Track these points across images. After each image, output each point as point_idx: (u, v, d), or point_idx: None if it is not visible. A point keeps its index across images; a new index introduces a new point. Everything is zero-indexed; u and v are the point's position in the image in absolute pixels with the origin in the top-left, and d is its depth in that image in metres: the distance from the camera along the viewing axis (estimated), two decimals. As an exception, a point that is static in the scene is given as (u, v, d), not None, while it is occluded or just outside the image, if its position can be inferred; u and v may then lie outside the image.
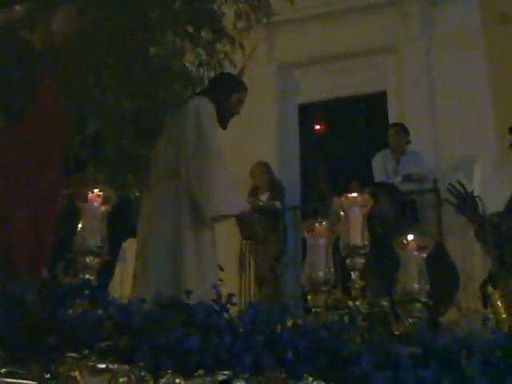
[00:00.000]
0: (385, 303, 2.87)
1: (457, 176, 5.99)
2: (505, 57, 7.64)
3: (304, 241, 3.43)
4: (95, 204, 2.84)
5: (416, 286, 2.92)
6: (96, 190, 2.85)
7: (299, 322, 2.57)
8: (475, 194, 4.20)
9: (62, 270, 2.60)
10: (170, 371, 2.30)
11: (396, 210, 5.70)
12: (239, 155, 7.13)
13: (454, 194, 4.14)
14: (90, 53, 3.52)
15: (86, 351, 2.31)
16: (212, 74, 4.14)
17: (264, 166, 7.75)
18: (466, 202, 4.09)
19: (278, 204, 7.50)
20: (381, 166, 7.43)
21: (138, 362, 2.30)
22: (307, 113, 8.79)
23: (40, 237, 3.47)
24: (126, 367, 2.30)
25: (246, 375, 2.33)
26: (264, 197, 7.61)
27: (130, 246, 4.62)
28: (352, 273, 3.01)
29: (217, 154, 3.81)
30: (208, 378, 2.31)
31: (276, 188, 7.70)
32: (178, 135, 3.91)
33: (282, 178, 7.95)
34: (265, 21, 4.22)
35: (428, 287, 2.95)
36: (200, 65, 3.92)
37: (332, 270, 3.12)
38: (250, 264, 7.32)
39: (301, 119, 8.76)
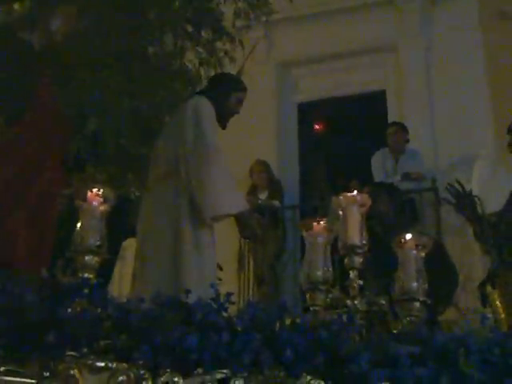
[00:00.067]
0: (383, 302, 2.88)
1: (455, 175, 6.00)
2: (504, 55, 7.64)
3: (303, 239, 3.44)
4: (94, 203, 2.85)
5: (414, 284, 2.93)
6: (95, 190, 2.85)
7: (298, 320, 2.58)
8: (474, 193, 4.19)
9: (60, 269, 2.60)
10: (168, 370, 2.30)
11: (395, 209, 5.70)
12: (238, 154, 7.13)
13: (453, 194, 4.14)
14: (89, 52, 3.52)
15: (85, 350, 2.32)
16: (212, 73, 4.14)
17: (263, 165, 7.75)
18: (465, 202, 4.09)
19: (276, 203, 7.50)
20: (380, 164, 7.43)
21: (136, 360, 2.30)
22: (306, 111, 8.79)
23: (40, 236, 3.47)
24: (125, 366, 2.30)
25: (245, 374, 2.34)
26: (263, 195, 7.61)
27: (129, 245, 4.63)
28: (350, 272, 3.01)
29: (216, 154, 3.81)
30: (207, 377, 2.32)
31: (275, 187, 7.70)
32: (177, 134, 3.91)
33: (281, 177, 7.96)
34: (264, 19, 4.22)
35: (426, 286, 2.96)
36: (200, 64, 3.92)
37: (330, 269, 3.12)
38: (249, 263, 7.32)
39: (300, 118, 8.76)
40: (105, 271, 2.97)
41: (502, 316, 3.98)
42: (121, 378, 2.28)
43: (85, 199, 2.86)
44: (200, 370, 2.32)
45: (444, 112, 7.74)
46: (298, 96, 8.83)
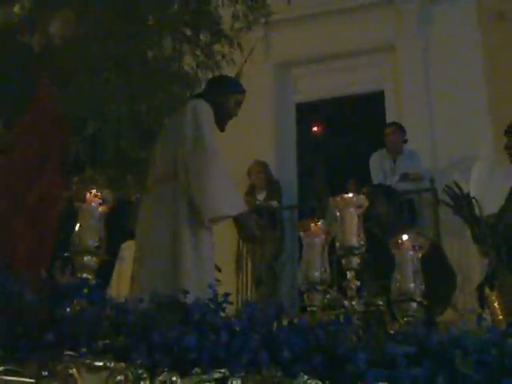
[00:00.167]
0: (380, 302, 2.89)
1: (454, 175, 6.01)
2: (502, 55, 7.65)
3: (301, 240, 3.45)
4: (93, 204, 2.86)
5: (411, 285, 2.95)
6: (94, 191, 2.87)
7: (295, 320, 2.59)
8: (472, 194, 4.20)
9: (59, 270, 2.61)
10: (166, 369, 2.31)
11: (393, 211, 5.72)
12: (236, 154, 7.15)
13: (450, 195, 4.14)
14: (88, 56, 3.53)
15: (84, 349, 2.33)
16: (210, 76, 4.14)
17: (261, 165, 7.76)
18: (462, 203, 4.09)
19: (275, 203, 7.51)
20: (378, 165, 7.44)
21: (134, 360, 2.31)
22: (305, 112, 8.80)
23: (40, 237, 3.48)
24: (123, 365, 2.31)
25: (243, 373, 2.35)
26: (261, 196, 7.62)
27: (127, 246, 4.63)
28: (348, 272, 3.02)
29: (214, 156, 3.81)
30: (204, 376, 2.33)
31: (273, 187, 7.71)
32: (175, 137, 3.91)
33: (280, 177, 7.97)
34: (263, 20, 4.23)
35: (423, 287, 2.97)
36: (198, 66, 3.92)
37: (328, 270, 3.13)
38: (247, 264, 7.33)
39: (298, 118, 8.77)
40: (104, 272, 2.99)
41: (500, 317, 3.99)
42: (119, 378, 2.29)
43: (84, 200, 2.88)
44: (198, 370, 2.33)
45: (442, 112, 7.75)
46: (296, 96, 8.84)
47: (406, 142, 7.46)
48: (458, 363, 2.43)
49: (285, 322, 2.57)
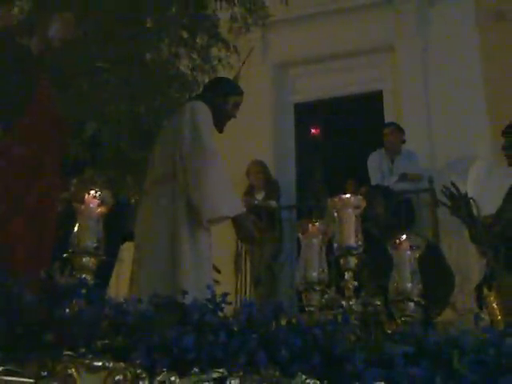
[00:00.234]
0: (378, 303, 2.90)
1: (452, 176, 6.02)
2: (500, 55, 7.66)
3: (300, 240, 3.46)
4: (92, 205, 2.86)
5: (409, 285, 2.96)
6: (92, 192, 2.87)
7: (293, 320, 2.60)
8: (470, 195, 4.21)
9: (58, 270, 2.62)
10: (165, 369, 2.32)
11: (391, 212, 5.73)
12: (235, 154, 7.15)
13: (448, 196, 4.15)
14: (88, 57, 3.54)
15: (83, 349, 2.33)
16: (206, 79, 4.15)
17: (260, 165, 7.77)
18: (460, 204, 4.10)
19: (273, 203, 7.52)
20: (376, 165, 7.45)
21: (133, 360, 2.32)
22: (303, 112, 8.81)
23: (39, 238, 3.49)
24: (122, 365, 2.31)
25: (241, 373, 2.35)
26: (260, 196, 7.63)
27: (126, 247, 4.64)
28: (346, 273, 3.03)
29: (213, 157, 3.82)
30: (203, 376, 2.33)
31: (272, 187, 7.72)
32: (174, 138, 3.92)
33: (278, 177, 7.98)
34: (261, 23, 4.23)
35: (420, 286, 2.98)
36: (193, 69, 3.93)
37: (326, 270, 3.14)
38: (245, 264, 7.34)
39: (297, 118, 8.78)
40: (103, 273, 3.00)
41: (499, 318, 4.00)
42: (118, 378, 2.30)
43: (82, 201, 2.88)
44: (196, 370, 2.33)
45: (441, 113, 7.77)
46: (294, 96, 8.86)
47: (404, 142, 7.48)
48: (456, 363, 2.44)
49: (283, 322, 2.57)
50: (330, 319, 2.76)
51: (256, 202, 7.47)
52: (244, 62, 4.47)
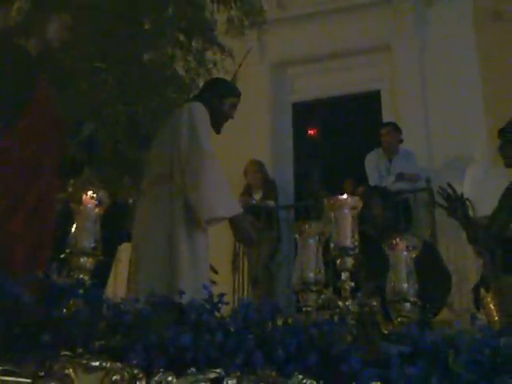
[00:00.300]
0: (374, 303, 2.91)
1: (450, 175, 6.03)
2: (498, 55, 7.67)
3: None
4: (89, 206, 2.87)
5: (405, 285, 2.98)
6: (90, 192, 2.88)
7: (290, 320, 2.61)
8: (467, 195, 4.21)
9: (56, 271, 2.62)
10: (162, 369, 2.33)
11: (389, 213, 5.74)
12: (233, 154, 7.16)
13: (444, 197, 4.15)
14: (86, 58, 3.54)
15: (80, 350, 2.34)
16: (200, 81, 4.16)
17: (258, 165, 7.78)
18: (456, 205, 4.10)
19: (271, 203, 7.53)
20: (374, 165, 7.46)
21: (130, 360, 2.33)
22: (301, 111, 8.82)
23: (38, 239, 3.50)
24: (119, 365, 2.32)
25: (238, 373, 2.36)
26: (257, 195, 7.64)
27: (123, 247, 4.65)
28: (342, 273, 3.04)
29: (210, 157, 3.82)
30: (200, 376, 2.34)
31: (269, 187, 7.73)
32: (171, 138, 3.92)
33: (276, 177, 7.99)
34: (257, 27, 4.22)
35: (416, 287, 3.00)
36: (188, 71, 3.93)
37: (322, 271, 3.15)
38: (243, 264, 7.34)
39: (294, 118, 8.79)
40: (101, 274, 3.00)
41: (496, 319, 4.01)
42: (115, 378, 2.30)
43: (79, 202, 2.89)
44: (193, 370, 2.34)
45: (438, 112, 7.78)
46: (292, 96, 8.86)
47: (401, 141, 7.48)
48: (451, 363, 2.45)
49: (280, 322, 2.58)
50: (327, 319, 2.77)
51: (254, 201, 7.48)
52: (240, 65, 4.47)
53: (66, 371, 2.29)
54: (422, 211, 7.14)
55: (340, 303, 2.92)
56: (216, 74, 4.22)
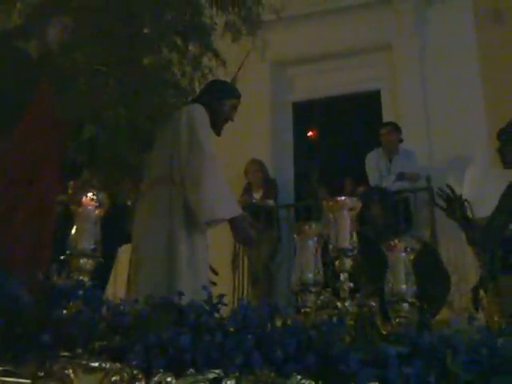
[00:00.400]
0: (373, 304, 2.92)
1: (450, 175, 6.03)
2: (498, 55, 7.67)
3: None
4: (89, 207, 2.88)
5: (403, 286, 2.99)
6: (90, 194, 2.89)
7: (289, 321, 2.62)
8: (466, 196, 4.22)
9: (56, 272, 2.63)
10: (161, 370, 2.33)
11: (388, 213, 5.74)
12: (233, 153, 7.17)
13: (443, 198, 4.16)
14: (85, 61, 3.54)
15: (80, 350, 2.35)
16: (196, 85, 4.15)
17: (258, 164, 7.78)
18: (455, 206, 4.11)
19: (271, 202, 7.53)
20: (374, 164, 7.45)
21: (130, 360, 2.33)
22: (301, 111, 8.82)
23: (39, 239, 3.51)
24: (119, 366, 2.33)
25: (237, 374, 2.37)
26: (258, 195, 7.64)
27: (123, 249, 4.65)
28: (341, 274, 3.05)
29: (210, 159, 3.82)
30: (199, 377, 2.35)
31: (270, 186, 7.73)
32: (171, 141, 3.93)
33: (276, 176, 7.99)
34: (253, 32, 4.21)
35: (415, 288, 3.01)
36: (183, 74, 3.92)
37: (321, 272, 3.16)
38: (243, 264, 7.34)
39: (295, 117, 8.78)
40: (102, 275, 3.01)
41: (495, 319, 4.02)
42: (114, 378, 2.31)
43: (79, 203, 2.90)
44: (192, 370, 2.35)
45: (439, 112, 7.77)
46: (292, 95, 8.86)
47: (401, 141, 7.48)
48: (449, 363, 2.46)
49: (278, 323, 2.59)
50: (325, 320, 2.78)
51: (254, 200, 7.48)
52: (240, 68, 4.47)
53: (66, 372, 2.30)
54: (422, 210, 7.14)
55: (339, 304, 2.93)
56: (212, 79, 4.21)
